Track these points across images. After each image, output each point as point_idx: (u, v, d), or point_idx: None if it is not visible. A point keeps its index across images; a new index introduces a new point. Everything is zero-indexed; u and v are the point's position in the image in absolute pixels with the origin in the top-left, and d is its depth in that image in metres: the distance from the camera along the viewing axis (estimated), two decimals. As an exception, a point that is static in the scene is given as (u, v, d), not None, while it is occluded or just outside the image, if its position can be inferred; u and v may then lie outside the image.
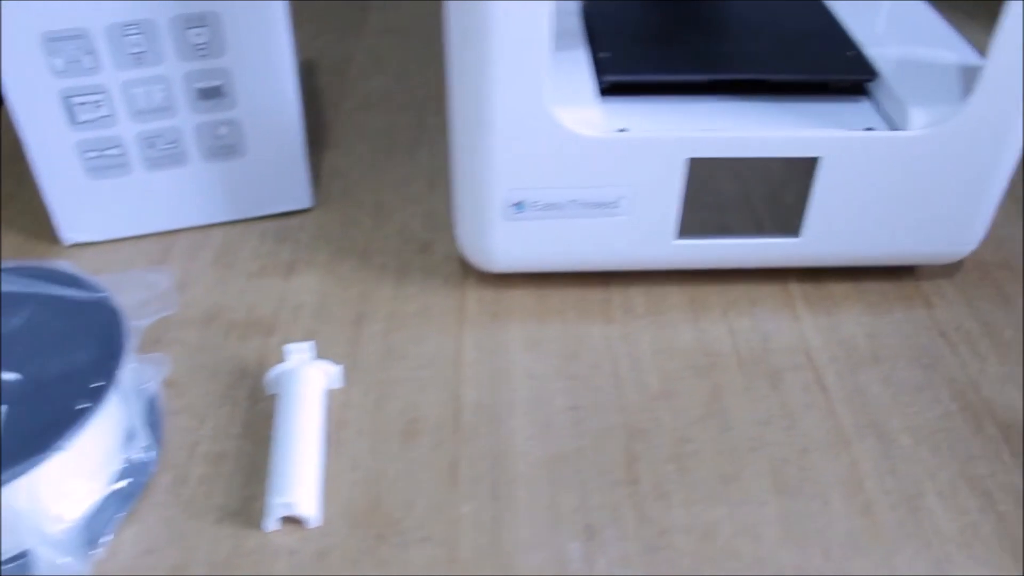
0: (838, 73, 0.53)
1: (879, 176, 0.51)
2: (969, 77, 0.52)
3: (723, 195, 0.52)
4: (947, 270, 0.58)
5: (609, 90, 0.53)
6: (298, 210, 0.62)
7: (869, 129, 0.50)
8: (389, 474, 0.45)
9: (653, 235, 0.53)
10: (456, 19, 0.47)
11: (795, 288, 0.57)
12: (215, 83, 0.55)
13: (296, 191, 0.62)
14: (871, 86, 0.54)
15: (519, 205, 0.51)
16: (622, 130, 0.49)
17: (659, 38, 0.55)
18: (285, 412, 0.46)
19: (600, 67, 0.53)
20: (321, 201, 0.63)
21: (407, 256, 0.59)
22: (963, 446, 0.47)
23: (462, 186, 0.52)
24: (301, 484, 0.42)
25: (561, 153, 0.49)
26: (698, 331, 0.53)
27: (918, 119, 0.50)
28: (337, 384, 0.49)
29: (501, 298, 0.56)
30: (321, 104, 0.75)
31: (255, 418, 0.47)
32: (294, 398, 0.46)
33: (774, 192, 0.52)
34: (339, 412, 0.48)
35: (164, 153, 0.57)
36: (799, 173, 0.51)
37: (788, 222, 0.53)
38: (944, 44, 0.56)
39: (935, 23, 0.59)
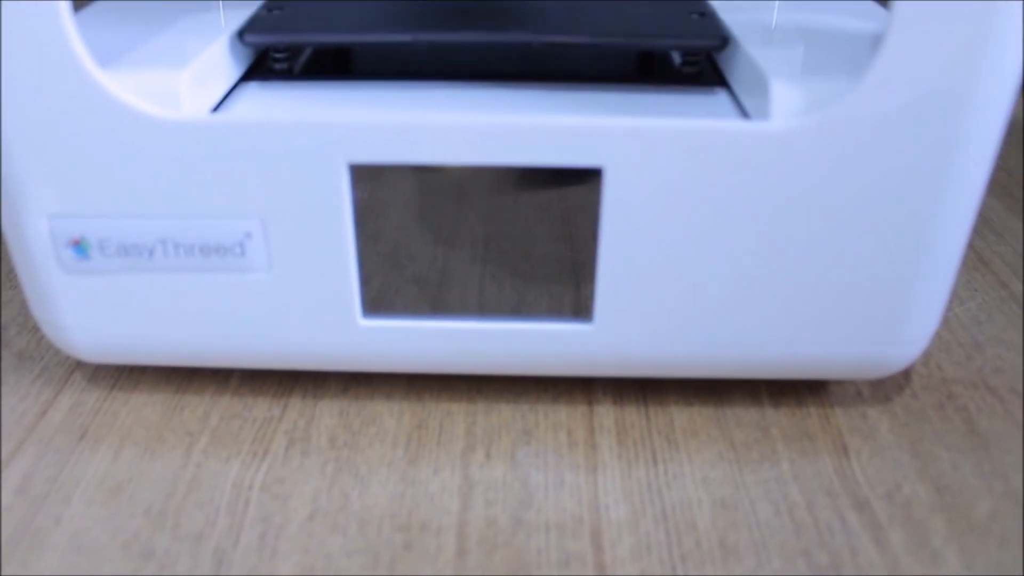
0: (664, 37, 0.30)
1: (720, 207, 0.28)
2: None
3: (447, 236, 0.29)
4: (880, 391, 0.34)
5: (272, 69, 0.32)
6: None
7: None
8: None
9: (317, 309, 0.30)
10: None
11: (602, 413, 0.33)
12: None
13: None
14: (729, 68, 0.32)
15: (79, 247, 0.29)
16: (218, 107, 0.27)
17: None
18: None
19: (247, 26, 0.31)
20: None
21: (11, 335, 0.36)
22: None
23: (4, 220, 0.30)
24: None
25: (127, 151, 0.27)
26: (408, 483, 0.29)
27: (786, 101, 0.27)
28: None
29: (109, 406, 0.32)
30: None
31: None
32: None
33: (546, 238, 0.29)
34: None
35: None
36: (581, 203, 0.28)
37: (572, 294, 0.30)
38: (855, 13, 0.34)
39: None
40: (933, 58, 0.25)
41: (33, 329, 0.37)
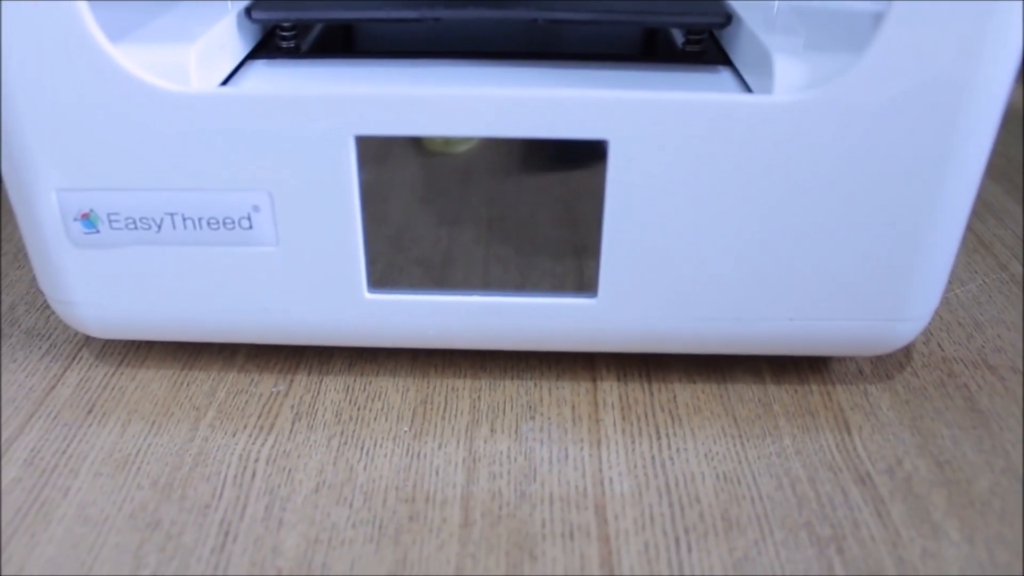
0: (669, 15, 0.31)
1: (723, 181, 0.28)
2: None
3: (453, 215, 0.29)
4: (881, 369, 0.34)
5: (278, 47, 0.32)
6: None
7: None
8: None
9: (324, 283, 0.30)
10: None
11: (606, 389, 0.33)
12: None
13: None
14: (733, 45, 0.32)
15: (88, 220, 0.29)
16: (225, 83, 0.28)
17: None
18: None
19: (256, 3, 0.31)
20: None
21: (19, 313, 0.36)
22: None
23: (13, 195, 0.30)
24: None
25: (137, 125, 0.27)
26: (413, 456, 0.30)
27: (790, 76, 0.27)
28: None
29: (116, 382, 0.33)
30: None
31: None
32: None
33: (551, 213, 0.29)
34: None
35: None
36: (586, 178, 0.28)
37: (576, 269, 0.30)
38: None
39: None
40: (934, 34, 0.25)
41: (41, 308, 0.37)
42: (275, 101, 0.27)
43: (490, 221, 0.29)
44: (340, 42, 0.33)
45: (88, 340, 0.35)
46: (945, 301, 0.38)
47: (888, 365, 0.34)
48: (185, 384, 0.33)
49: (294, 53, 0.32)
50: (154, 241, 0.29)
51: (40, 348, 0.35)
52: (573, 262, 0.30)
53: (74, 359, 0.34)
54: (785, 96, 0.27)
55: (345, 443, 0.30)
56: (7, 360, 0.34)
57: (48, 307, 0.37)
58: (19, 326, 0.36)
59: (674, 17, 0.31)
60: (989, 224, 0.44)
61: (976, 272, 0.40)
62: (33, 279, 0.39)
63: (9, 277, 0.39)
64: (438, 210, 0.29)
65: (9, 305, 0.37)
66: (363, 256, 0.29)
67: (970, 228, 0.44)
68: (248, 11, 0.31)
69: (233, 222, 0.28)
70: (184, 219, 0.29)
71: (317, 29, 0.34)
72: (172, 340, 0.32)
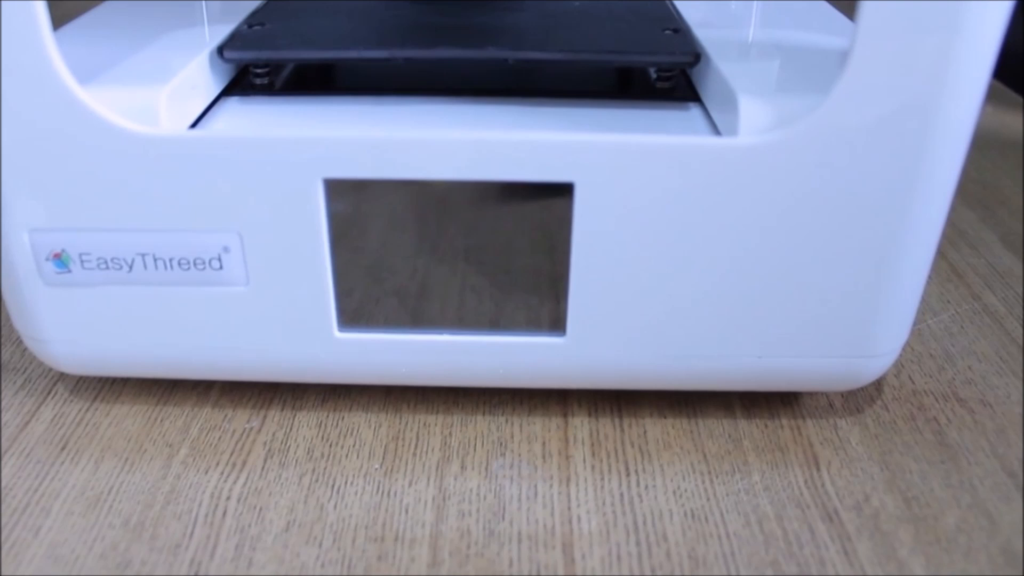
0: (638, 53, 0.31)
1: (689, 222, 0.28)
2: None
3: (422, 252, 0.29)
4: (852, 403, 0.34)
5: (252, 84, 0.32)
6: None
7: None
8: None
9: (294, 322, 0.30)
10: None
11: (576, 425, 0.33)
12: None
13: None
14: (702, 84, 0.32)
15: (60, 260, 0.29)
16: (194, 126, 0.28)
17: (363, 15, 0.34)
18: None
19: (228, 42, 0.32)
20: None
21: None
22: None
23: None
24: None
25: (107, 166, 0.28)
26: (384, 494, 0.30)
27: (754, 117, 0.28)
28: None
29: (90, 418, 0.33)
30: None
31: None
32: None
33: (518, 252, 0.29)
34: None
35: None
36: (553, 217, 0.28)
37: (545, 308, 0.30)
38: (828, 30, 0.35)
39: (827, 13, 0.37)
40: (898, 73, 0.26)
41: (16, 341, 0.37)
42: (243, 144, 0.27)
43: (459, 258, 0.29)
44: (315, 77, 0.33)
45: (63, 375, 0.35)
46: (916, 332, 0.38)
47: (858, 399, 0.34)
48: (159, 420, 0.33)
49: (267, 90, 0.32)
50: (125, 281, 0.29)
51: (15, 382, 0.35)
52: (544, 300, 0.30)
53: (48, 394, 0.34)
54: (749, 138, 0.27)
55: (316, 480, 0.30)
56: (-17, 394, 0.34)
57: (22, 341, 0.37)
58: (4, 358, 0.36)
59: (643, 56, 0.31)
60: (963, 252, 0.44)
61: (949, 302, 0.40)
62: (6, 315, 0.39)
63: (-13, 309, 0.39)
64: (408, 248, 0.29)
65: (-14, 338, 0.37)
66: (333, 296, 0.29)
67: (943, 256, 0.44)
68: (220, 50, 0.31)
69: (204, 262, 0.29)
70: (155, 259, 0.29)
71: (290, 66, 0.34)
72: (145, 376, 0.33)
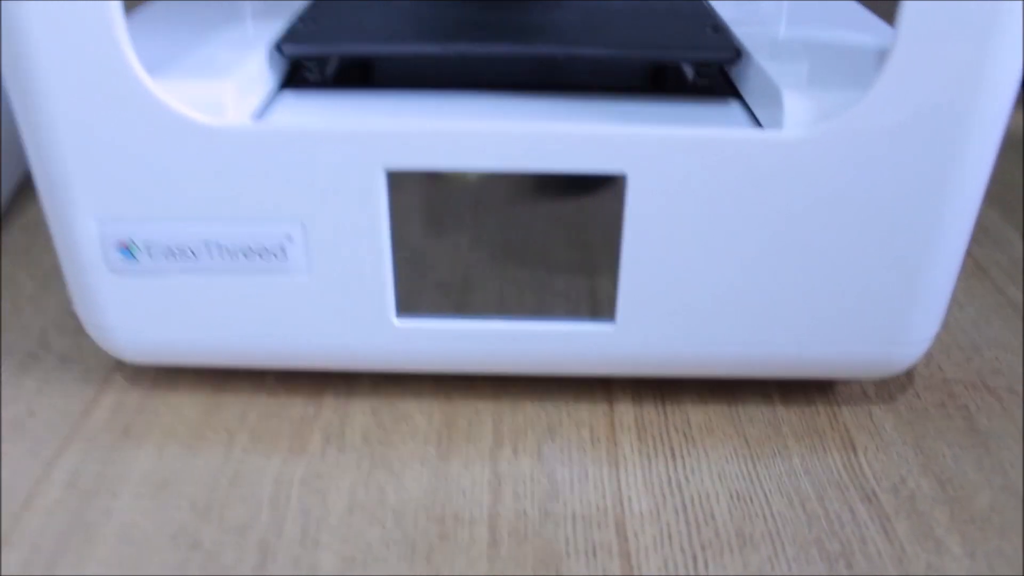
0: (680, 50, 0.32)
1: (736, 212, 0.29)
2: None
3: (478, 245, 0.30)
4: (884, 391, 0.36)
5: (305, 79, 0.33)
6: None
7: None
8: None
9: (354, 310, 0.31)
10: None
11: (622, 411, 0.34)
12: None
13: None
14: (742, 79, 0.34)
15: (127, 249, 0.30)
16: (256, 118, 0.29)
17: (410, 12, 0.35)
18: None
19: (285, 38, 0.33)
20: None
21: (51, 337, 0.37)
22: None
23: (53, 223, 0.31)
24: None
25: (175, 157, 0.29)
26: (440, 477, 0.31)
27: (799, 111, 0.29)
28: None
29: (149, 405, 0.34)
30: None
31: None
32: None
33: (569, 242, 0.30)
34: None
35: None
36: (604, 208, 0.30)
37: (595, 297, 0.31)
38: (859, 28, 0.36)
39: (856, 12, 0.38)
40: (937, 70, 0.27)
41: (73, 332, 0.38)
42: (308, 135, 0.28)
43: (511, 249, 0.30)
44: (358, 73, 0.35)
45: (119, 364, 0.36)
46: (944, 324, 0.39)
47: (891, 387, 0.36)
48: (216, 408, 0.34)
49: (321, 84, 0.33)
50: (190, 270, 0.30)
51: (73, 372, 0.36)
52: (592, 289, 0.31)
53: (107, 383, 0.35)
54: (795, 131, 0.28)
55: (374, 465, 0.31)
56: (41, 383, 0.35)
57: (80, 331, 0.38)
58: (52, 350, 0.37)
59: (686, 52, 0.32)
60: (987, 249, 0.45)
61: (974, 296, 0.42)
62: (61, 303, 0.40)
63: (39, 302, 0.40)
64: (463, 237, 0.30)
65: (40, 329, 0.38)
66: (392, 284, 0.30)
67: (968, 253, 0.45)
68: (279, 46, 0.32)
69: (267, 252, 0.30)
70: (220, 248, 0.30)
71: (335, 61, 0.36)
72: (204, 365, 0.34)
